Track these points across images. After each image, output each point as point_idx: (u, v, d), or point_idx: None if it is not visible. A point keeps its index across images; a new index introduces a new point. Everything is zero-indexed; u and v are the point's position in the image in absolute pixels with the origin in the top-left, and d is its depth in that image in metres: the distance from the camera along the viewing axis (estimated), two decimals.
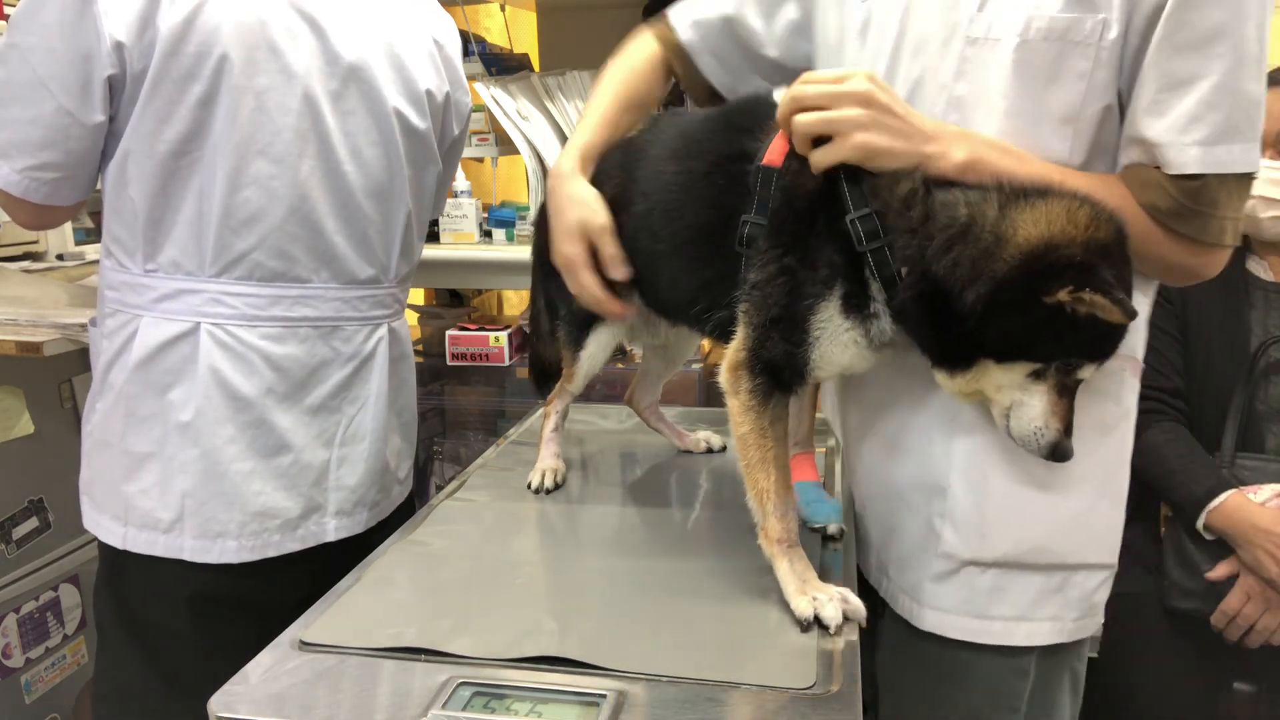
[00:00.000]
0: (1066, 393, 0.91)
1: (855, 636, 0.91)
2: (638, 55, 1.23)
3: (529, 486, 1.32)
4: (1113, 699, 1.77)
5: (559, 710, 0.80)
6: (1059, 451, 0.92)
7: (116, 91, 1.17)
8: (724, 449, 1.48)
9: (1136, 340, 1.07)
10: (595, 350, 1.29)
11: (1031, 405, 0.91)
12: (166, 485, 1.25)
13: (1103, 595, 1.10)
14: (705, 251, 1.08)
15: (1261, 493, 1.61)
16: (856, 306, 0.96)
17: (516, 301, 3.08)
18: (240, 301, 1.25)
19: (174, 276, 1.23)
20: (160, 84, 1.15)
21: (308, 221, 1.27)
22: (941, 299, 0.89)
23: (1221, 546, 1.63)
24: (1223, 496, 1.60)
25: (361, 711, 0.79)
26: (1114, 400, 1.04)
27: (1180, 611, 1.68)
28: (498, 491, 1.32)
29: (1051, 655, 1.10)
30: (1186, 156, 0.92)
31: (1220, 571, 1.63)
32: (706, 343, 2.03)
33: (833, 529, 1.13)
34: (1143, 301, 1.05)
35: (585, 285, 1.15)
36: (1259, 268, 1.73)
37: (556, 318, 1.33)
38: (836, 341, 0.97)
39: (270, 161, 1.23)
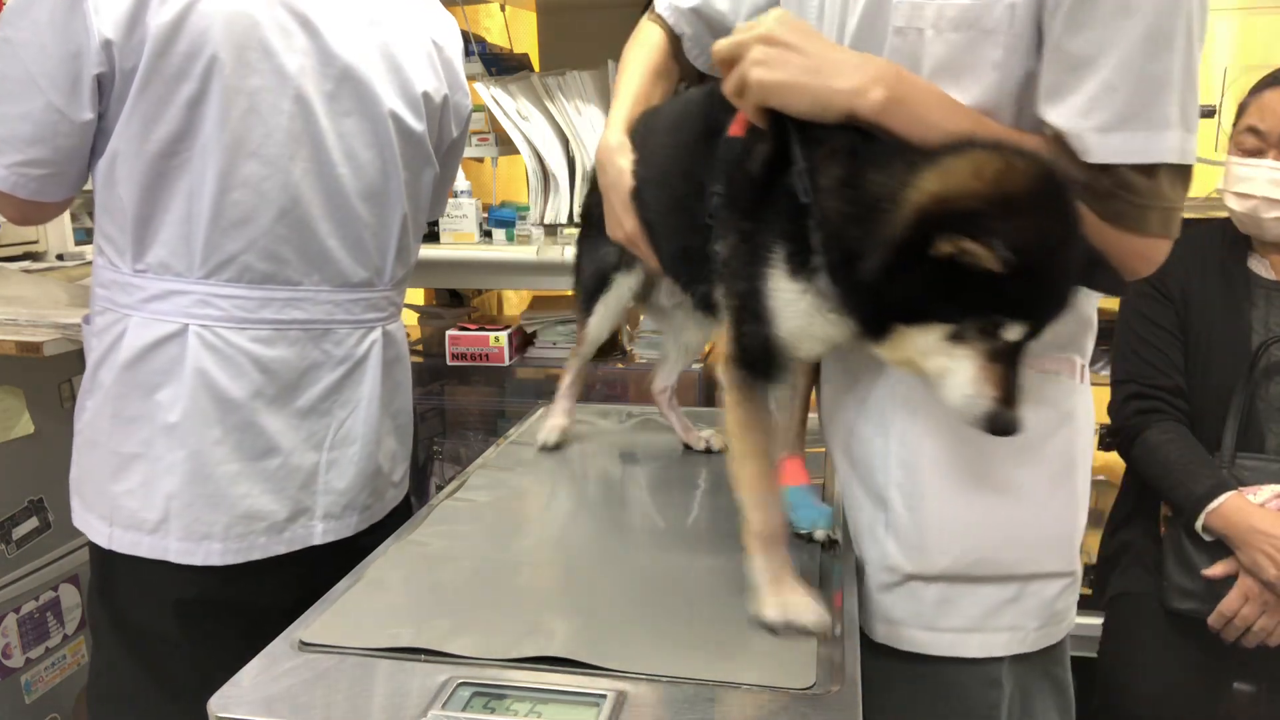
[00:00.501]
0: (1001, 358, 0.84)
1: (856, 637, 0.91)
2: (651, 34, 1.25)
3: (539, 445, 1.44)
4: (1113, 699, 1.77)
5: (559, 710, 0.80)
6: (998, 422, 0.84)
7: (106, 90, 1.16)
8: (724, 450, 1.47)
9: (1075, 341, 1.03)
10: (600, 320, 1.36)
11: (958, 371, 0.85)
12: (152, 486, 1.24)
13: (1067, 602, 1.06)
14: (683, 222, 1.09)
15: (1261, 493, 1.61)
16: (803, 264, 0.92)
17: (516, 301, 3.08)
18: (229, 304, 1.25)
19: (163, 277, 1.23)
20: (149, 83, 1.15)
21: (299, 224, 1.27)
22: (851, 265, 0.86)
23: (1221, 547, 1.63)
24: (1222, 498, 1.60)
25: (361, 712, 0.79)
26: (1049, 405, 0.99)
27: (1180, 612, 1.67)
28: (498, 491, 1.32)
29: (1024, 663, 1.06)
30: (1086, 144, 0.86)
31: (1218, 570, 1.62)
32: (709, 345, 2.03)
33: (819, 535, 1.11)
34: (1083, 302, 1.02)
35: (647, 256, 1.19)
36: (1260, 266, 1.73)
37: (579, 280, 1.39)
38: (796, 310, 0.94)
39: (262, 163, 1.22)
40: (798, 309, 0.94)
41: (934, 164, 0.83)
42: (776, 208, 0.94)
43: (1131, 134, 0.85)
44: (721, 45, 0.93)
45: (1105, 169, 0.86)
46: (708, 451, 1.48)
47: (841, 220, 0.87)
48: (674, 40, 1.24)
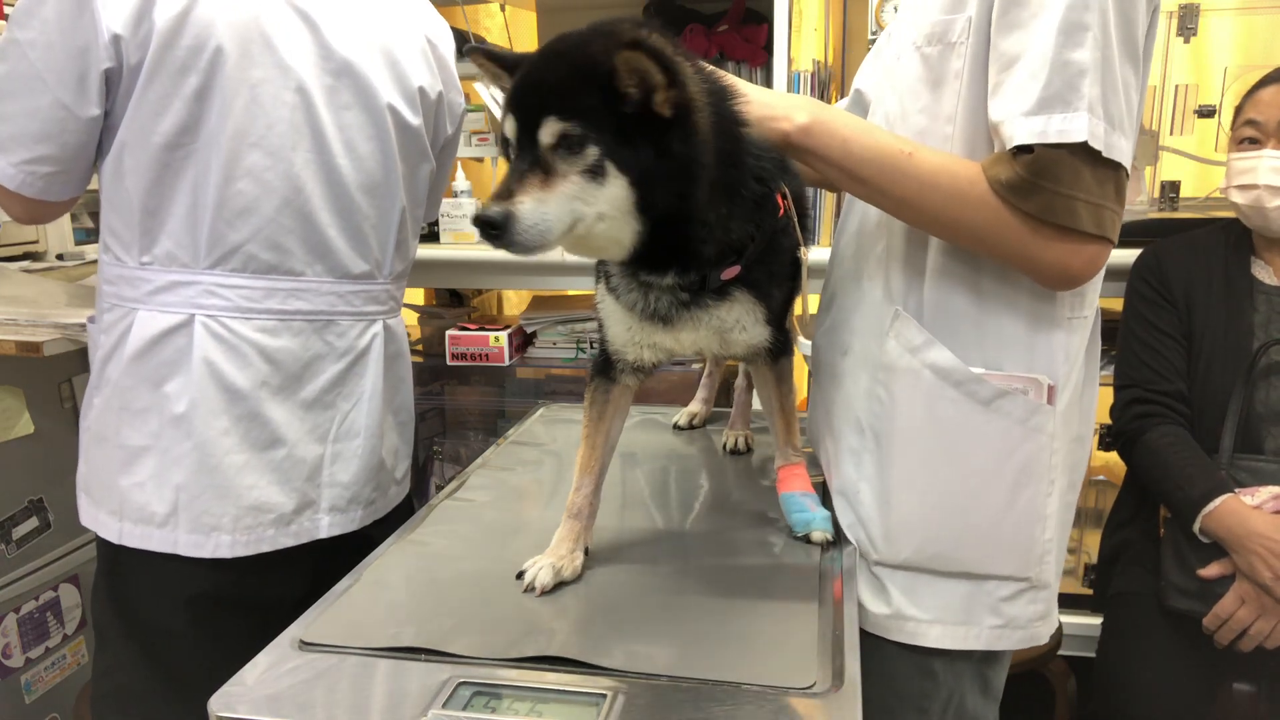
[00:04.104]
0: (514, 166, 0.89)
1: (856, 637, 0.92)
2: None
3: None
4: (1112, 698, 1.77)
5: (559, 710, 0.80)
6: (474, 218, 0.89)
7: (113, 85, 1.18)
8: (748, 451, 1.49)
9: (1044, 363, 1.05)
10: None
11: None
12: (161, 478, 1.25)
13: (1022, 610, 1.10)
14: None
15: (1258, 495, 1.61)
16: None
17: (516, 301, 3.08)
18: (234, 294, 1.26)
19: (169, 269, 1.24)
20: (156, 76, 1.17)
21: (301, 214, 1.28)
22: None
23: (1219, 547, 1.63)
24: (1218, 500, 1.60)
25: (362, 711, 0.79)
26: (1017, 421, 1.04)
27: (1179, 611, 1.68)
28: (498, 491, 1.32)
29: (962, 660, 1.12)
30: (1013, 129, 0.93)
31: (1214, 570, 1.63)
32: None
33: (816, 537, 1.14)
34: (1048, 314, 1.04)
35: None
36: (1263, 272, 1.73)
37: None
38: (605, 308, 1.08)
39: (264, 153, 1.24)
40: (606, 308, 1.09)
41: None
42: None
43: (1049, 115, 0.91)
44: None
45: (1028, 165, 0.92)
46: (732, 451, 1.48)
47: None
48: None
